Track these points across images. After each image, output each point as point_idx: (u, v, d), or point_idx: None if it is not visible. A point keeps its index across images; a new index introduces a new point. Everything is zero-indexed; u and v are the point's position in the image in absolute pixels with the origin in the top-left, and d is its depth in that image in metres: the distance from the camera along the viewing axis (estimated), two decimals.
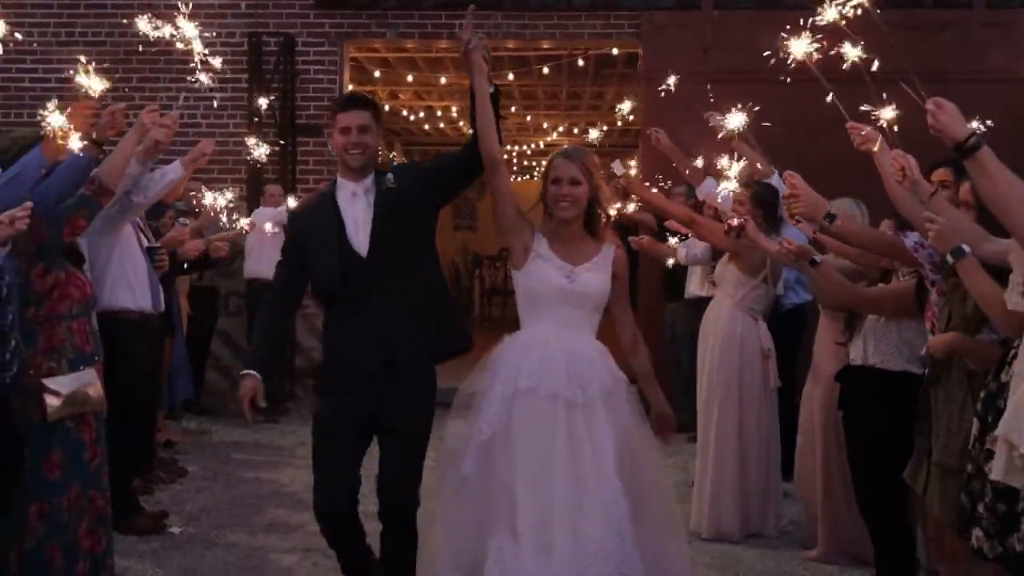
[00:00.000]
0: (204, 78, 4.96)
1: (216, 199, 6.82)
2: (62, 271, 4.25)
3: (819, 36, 3.79)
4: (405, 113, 14.36)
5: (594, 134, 10.76)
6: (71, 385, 4.11)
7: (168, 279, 6.27)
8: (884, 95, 3.61)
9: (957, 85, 3.25)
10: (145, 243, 5.70)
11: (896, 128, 3.73)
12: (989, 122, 3.67)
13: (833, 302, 4.67)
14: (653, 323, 8.67)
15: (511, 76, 11.11)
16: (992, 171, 2.98)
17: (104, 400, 4.29)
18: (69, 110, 4.15)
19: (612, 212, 4.20)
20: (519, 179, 18.45)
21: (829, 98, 3.65)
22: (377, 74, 11.42)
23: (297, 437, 7.86)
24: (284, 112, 9.20)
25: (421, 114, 14.45)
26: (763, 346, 5.57)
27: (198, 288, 7.70)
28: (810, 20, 3.63)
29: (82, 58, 4.27)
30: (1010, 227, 2.98)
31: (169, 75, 8.84)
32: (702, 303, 6.11)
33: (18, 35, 4.01)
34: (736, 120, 5.35)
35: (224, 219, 7.22)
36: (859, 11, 3.52)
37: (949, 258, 3.16)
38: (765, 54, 3.93)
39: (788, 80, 4.21)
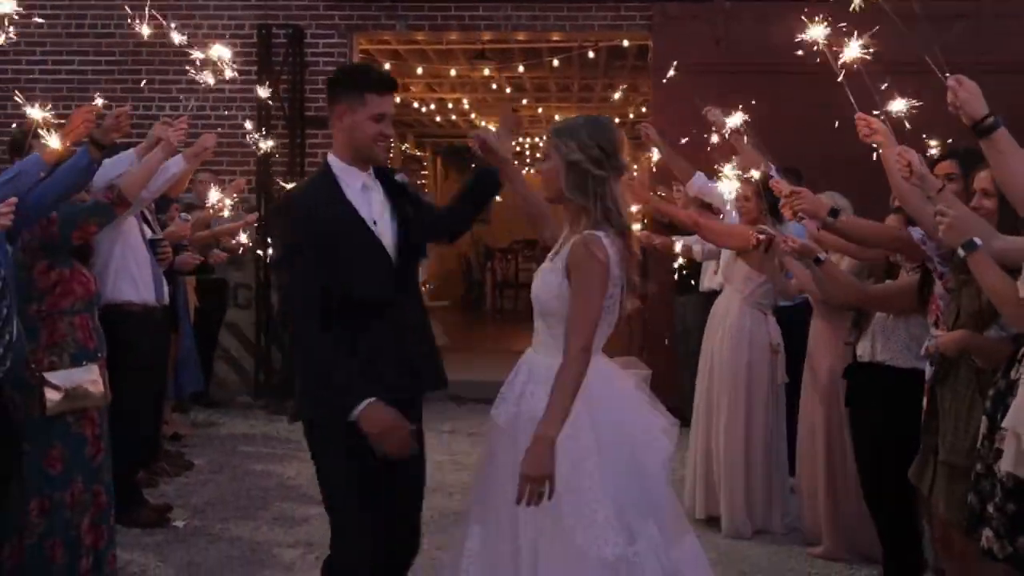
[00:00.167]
0: (210, 77, 4.96)
1: (222, 197, 6.81)
2: (66, 268, 4.25)
3: (828, 27, 3.75)
4: (416, 105, 14.32)
5: None
6: (72, 380, 4.11)
7: (173, 272, 6.27)
8: (885, 86, 3.57)
9: (969, 76, 3.21)
10: (148, 235, 5.69)
11: (906, 122, 3.69)
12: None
13: (839, 300, 4.63)
14: (665, 317, 8.62)
15: (521, 68, 11.07)
16: (1007, 152, 2.98)
17: (106, 396, 4.29)
18: (73, 112, 4.15)
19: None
20: (532, 171, 18.43)
21: (841, 76, 3.57)
22: (387, 66, 11.38)
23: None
24: (293, 104, 9.17)
25: (432, 106, 14.41)
26: (772, 341, 5.54)
27: (207, 280, 7.69)
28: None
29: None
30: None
31: (178, 66, 8.81)
32: (717, 296, 6.06)
33: (38, 19, 3.88)
34: (736, 119, 5.32)
35: (227, 213, 7.21)
36: (869, 2, 3.47)
37: (961, 251, 3.10)
38: (798, 40, 3.80)
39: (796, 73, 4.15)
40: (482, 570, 3.01)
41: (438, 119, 15.48)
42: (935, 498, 3.58)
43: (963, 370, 3.48)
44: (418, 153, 17.73)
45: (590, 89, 13.24)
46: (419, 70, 11.53)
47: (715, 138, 5.71)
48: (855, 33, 3.74)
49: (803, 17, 3.83)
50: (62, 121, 4.17)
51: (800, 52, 3.79)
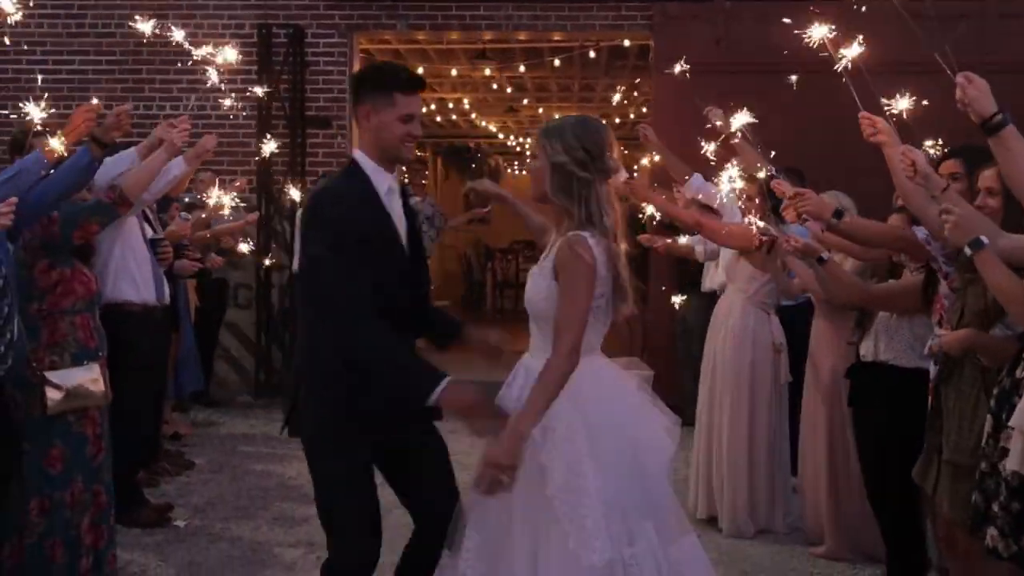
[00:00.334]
0: (214, 75, 4.95)
1: (221, 196, 6.80)
2: (67, 267, 4.25)
3: (833, 27, 3.74)
4: None
5: None
6: (73, 379, 4.10)
7: (173, 273, 6.26)
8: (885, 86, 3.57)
9: None
10: (149, 234, 5.68)
11: (911, 122, 3.68)
12: None
13: (842, 300, 4.62)
14: (665, 316, 8.61)
15: (522, 68, 11.06)
16: (1016, 150, 2.98)
17: (107, 395, 4.28)
18: (74, 111, 4.13)
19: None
20: (524, 172, 18.39)
21: (842, 65, 3.55)
22: None
23: None
24: (293, 104, 9.16)
25: (432, 106, 14.39)
26: (775, 340, 5.53)
27: (207, 280, 7.68)
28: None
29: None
30: None
31: (179, 66, 8.81)
32: (718, 296, 6.06)
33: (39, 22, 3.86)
34: (739, 121, 5.31)
35: (226, 212, 7.20)
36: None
37: (967, 250, 3.09)
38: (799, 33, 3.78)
39: (795, 77, 4.15)
40: (480, 572, 2.99)
41: (438, 119, 15.46)
42: (939, 497, 3.57)
43: (967, 369, 3.47)
44: (420, 154, 17.71)
45: (591, 89, 13.24)
46: (420, 70, 11.51)
47: (712, 145, 5.69)
48: (858, 32, 3.74)
49: (805, 18, 3.82)
50: (63, 121, 4.16)
51: (807, 41, 3.76)
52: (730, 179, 5.37)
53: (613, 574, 2.86)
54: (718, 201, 5.95)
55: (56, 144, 3.76)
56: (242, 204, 7.74)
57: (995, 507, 3.05)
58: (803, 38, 3.81)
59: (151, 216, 5.98)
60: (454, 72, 11.43)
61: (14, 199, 3.56)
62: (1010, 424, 2.98)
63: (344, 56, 9.26)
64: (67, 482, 4.11)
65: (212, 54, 4.75)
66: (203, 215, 7.08)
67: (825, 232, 4.43)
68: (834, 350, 4.97)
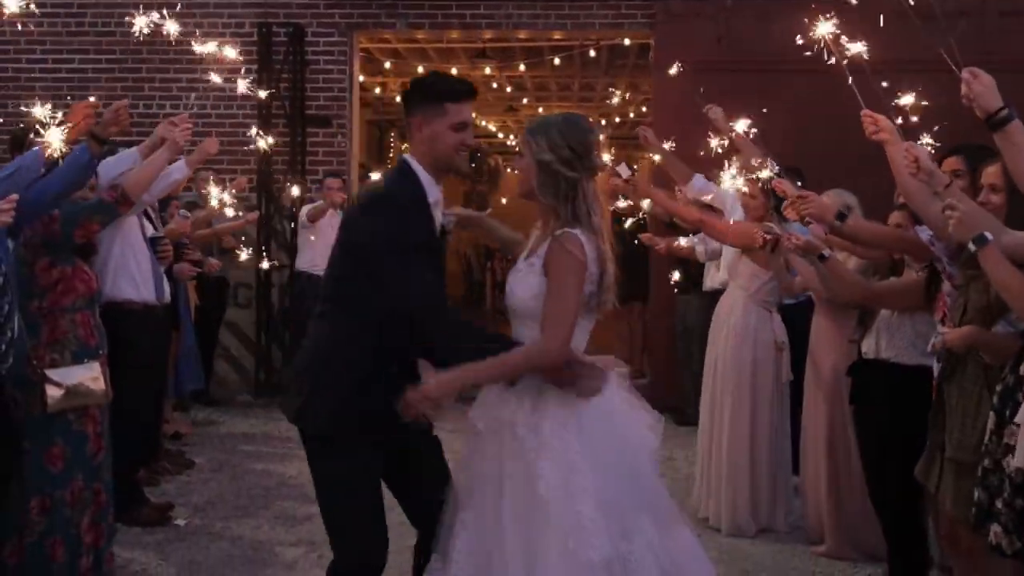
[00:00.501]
0: (216, 77, 4.94)
1: (222, 194, 6.81)
2: (68, 265, 4.24)
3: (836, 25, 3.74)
4: None
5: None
6: (73, 377, 4.09)
7: (172, 274, 6.26)
8: (886, 84, 3.57)
9: None
10: (150, 232, 5.68)
11: (913, 119, 3.68)
12: None
13: (844, 297, 4.61)
14: (665, 316, 8.62)
15: (523, 67, 11.06)
16: (1021, 145, 2.99)
17: (107, 393, 4.27)
18: (72, 107, 4.11)
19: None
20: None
21: (844, 61, 3.55)
22: (388, 65, 11.39)
23: None
24: (293, 103, 9.16)
25: None
26: (777, 339, 5.53)
27: (207, 279, 7.67)
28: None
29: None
30: None
31: (179, 65, 8.82)
32: (720, 295, 6.06)
33: (31, 27, 3.82)
34: (740, 126, 5.33)
35: (229, 211, 7.21)
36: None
37: (971, 246, 3.09)
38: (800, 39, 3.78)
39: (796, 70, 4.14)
40: (472, 573, 2.97)
41: None
42: (942, 495, 3.56)
43: (970, 366, 3.46)
44: None
45: (591, 88, 13.24)
46: (420, 69, 11.52)
47: (714, 142, 5.69)
48: (858, 31, 3.73)
49: (806, 16, 3.82)
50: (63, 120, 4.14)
51: (802, 45, 3.76)
52: (732, 177, 5.39)
53: (612, 571, 2.85)
54: (719, 199, 5.96)
55: (55, 141, 3.73)
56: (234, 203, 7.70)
57: (999, 504, 3.05)
58: (804, 36, 3.81)
59: (152, 214, 5.98)
60: (454, 71, 11.40)
61: (15, 196, 3.55)
62: (1015, 421, 2.97)
63: (344, 55, 9.25)
64: (67, 480, 4.10)
65: (211, 53, 4.75)
66: (203, 214, 7.08)
67: (828, 235, 4.44)
68: (835, 347, 4.97)
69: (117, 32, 9.06)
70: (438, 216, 3.23)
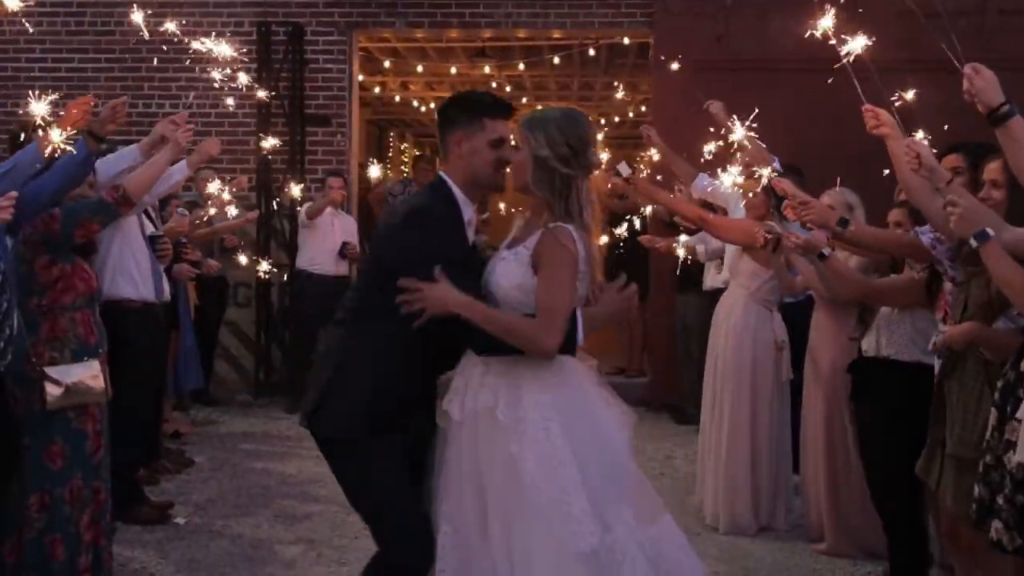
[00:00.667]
0: (216, 75, 4.93)
1: (221, 192, 6.81)
2: (68, 263, 4.24)
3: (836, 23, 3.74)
4: (416, 104, 14.30)
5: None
6: (73, 375, 4.09)
7: (171, 275, 6.26)
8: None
9: None
10: (149, 230, 5.68)
11: (915, 117, 3.69)
12: None
13: (844, 296, 4.62)
14: (665, 316, 8.62)
15: (522, 66, 11.05)
16: (1022, 140, 3.00)
17: (106, 391, 4.27)
18: (69, 104, 4.10)
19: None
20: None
21: (846, 58, 3.55)
22: (387, 64, 11.38)
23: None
24: (293, 102, 9.15)
25: (432, 105, 14.39)
26: (777, 338, 5.52)
27: (206, 278, 7.67)
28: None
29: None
30: None
31: (178, 64, 8.81)
32: (719, 294, 6.06)
33: (28, 27, 3.79)
34: (739, 133, 5.33)
35: (234, 210, 7.21)
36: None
37: (973, 242, 3.09)
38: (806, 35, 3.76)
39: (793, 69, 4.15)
40: (457, 567, 2.97)
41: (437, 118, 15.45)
42: (942, 491, 3.57)
43: (971, 362, 3.46)
44: (428, 153, 17.67)
45: (590, 88, 13.23)
46: (419, 68, 11.52)
47: (710, 147, 5.69)
48: (858, 30, 3.74)
49: (805, 14, 3.82)
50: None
51: (802, 44, 3.76)
52: (732, 176, 5.39)
53: (599, 561, 2.86)
54: (723, 198, 5.96)
55: (54, 137, 3.72)
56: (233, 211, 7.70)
57: (1000, 500, 3.05)
58: (804, 35, 3.81)
59: (152, 213, 5.98)
60: (453, 70, 11.43)
61: (14, 193, 3.55)
62: (1016, 417, 2.97)
63: (343, 54, 9.25)
64: (67, 478, 4.09)
65: (210, 51, 4.75)
66: (203, 213, 7.08)
67: (831, 240, 4.44)
68: (835, 345, 4.97)
69: (116, 31, 9.06)
70: (471, 234, 3.22)
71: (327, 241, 8.45)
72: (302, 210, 8.44)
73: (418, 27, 9.31)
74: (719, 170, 5.69)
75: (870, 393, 4.41)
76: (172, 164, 5.16)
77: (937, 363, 3.72)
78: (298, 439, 7.55)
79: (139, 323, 5.38)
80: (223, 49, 4.79)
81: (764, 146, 5.34)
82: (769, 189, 5.27)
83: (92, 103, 4.11)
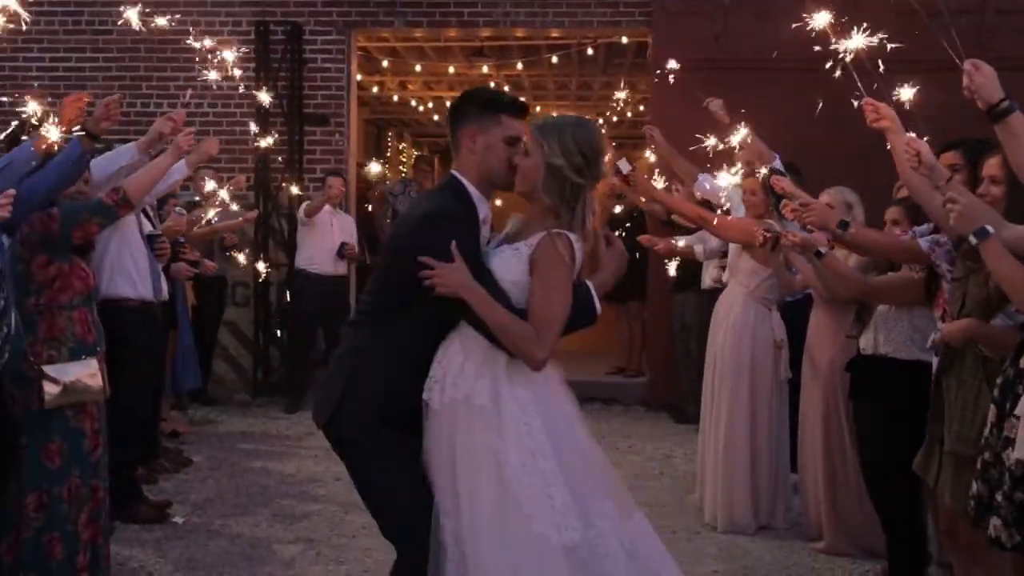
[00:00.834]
0: (214, 75, 4.92)
1: (218, 191, 6.80)
2: (65, 262, 4.22)
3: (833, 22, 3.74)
4: (414, 103, 14.30)
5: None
6: (71, 373, 4.08)
7: (169, 274, 6.25)
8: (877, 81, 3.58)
9: None
10: (148, 229, 5.67)
11: (913, 113, 3.69)
12: None
13: (842, 294, 4.62)
14: (664, 315, 8.62)
15: (520, 65, 11.05)
16: (1021, 136, 3.01)
17: (104, 390, 4.26)
18: (63, 101, 4.10)
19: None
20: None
21: (845, 54, 3.55)
22: (385, 63, 11.38)
23: (304, 427, 7.84)
24: (291, 101, 9.15)
25: (430, 104, 14.39)
26: (776, 336, 5.52)
27: (205, 278, 7.67)
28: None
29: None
30: None
31: (176, 64, 8.81)
32: (718, 293, 6.07)
33: (25, 16, 3.77)
34: (742, 133, 5.34)
35: (235, 207, 7.21)
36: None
37: (972, 239, 3.09)
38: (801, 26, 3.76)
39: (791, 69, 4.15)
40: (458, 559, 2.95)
41: (436, 118, 15.44)
42: (941, 488, 3.56)
43: (969, 359, 3.46)
44: (426, 153, 17.67)
45: (588, 87, 13.23)
46: (418, 67, 11.52)
47: (712, 141, 5.69)
48: (857, 27, 3.74)
49: (803, 11, 3.83)
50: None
51: (801, 42, 3.76)
52: (731, 175, 5.39)
53: (580, 555, 2.87)
54: (727, 197, 5.96)
55: (52, 134, 3.71)
56: (234, 208, 7.71)
57: (999, 497, 3.05)
58: (802, 33, 3.81)
59: (150, 212, 5.97)
60: (451, 70, 11.42)
61: (11, 191, 3.54)
62: (1015, 413, 2.97)
63: (342, 53, 9.25)
64: (65, 477, 4.08)
65: (209, 49, 4.75)
66: (202, 213, 7.07)
67: (831, 241, 4.45)
68: (833, 343, 4.97)
69: (114, 30, 9.04)
70: (485, 232, 3.18)
71: (326, 240, 8.45)
72: (300, 208, 8.44)
73: (416, 26, 9.30)
74: (717, 170, 5.70)
75: (868, 391, 4.41)
76: (150, 144, 5.06)
77: (935, 361, 3.72)
78: (296, 438, 7.56)
79: (137, 322, 5.38)
80: (227, 55, 4.79)
81: (765, 145, 5.35)
82: (768, 188, 5.28)
83: (87, 100, 4.11)
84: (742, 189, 5.57)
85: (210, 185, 6.83)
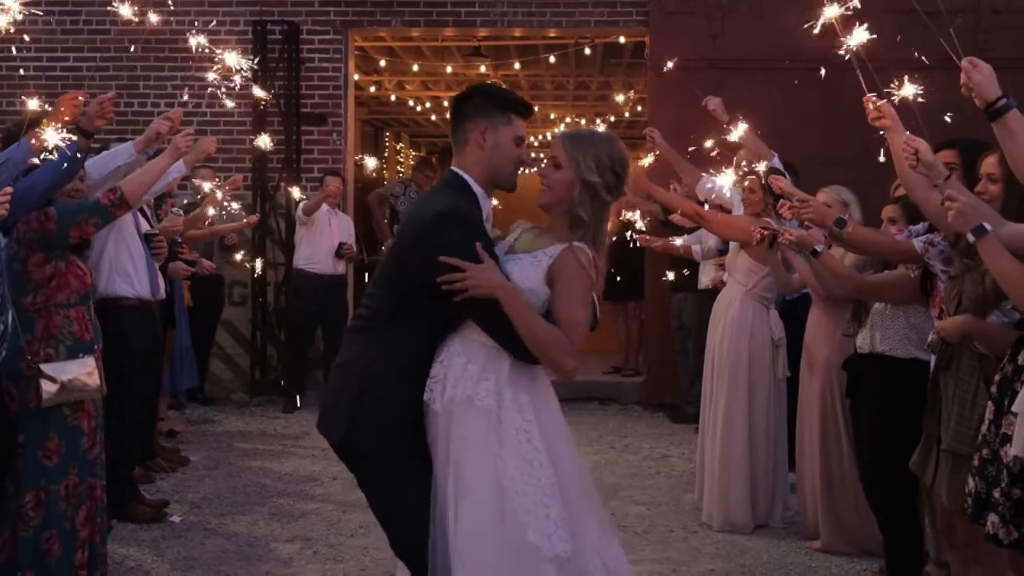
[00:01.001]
0: (213, 74, 4.92)
1: (215, 191, 6.80)
2: (62, 261, 4.22)
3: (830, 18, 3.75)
4: (412, 103, 14.29)
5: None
6: (68, 371, 4.07)
7: (167, 273, 6.25)
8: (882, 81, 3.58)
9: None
10: (145, 228, 5.67)
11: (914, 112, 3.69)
12: None
13: (838, 291, 4.62)
14: (662, 315, 8.62)
15: (517, 65, 11.05)
16: (1019, 134, 3.01)
17: (102, 388, 4.26)
18: (58, 100, 4.09)
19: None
20: (525, 171, 18.28)
21: (844, 51, 3.56)
22: (383, 63, 11.38)
23: (301, 427, 7.85)
24: (289, 101, 9.15)
25: (428, 104, 14.37)
26: (774, 335, 5.52)
27: (202, 277, 7.67)
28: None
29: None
30: None
31: (173, 63, 8.81)
32: (715, 293, 6.08)
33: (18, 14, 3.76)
34: (741, 130, 5.34)
35: (236, 206, 7.21)
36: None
37: (970, 236, 3.10)
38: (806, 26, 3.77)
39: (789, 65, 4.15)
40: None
41: (433, 118, 15.44)
42: (938, 486, 3.57)
43: (965, 357, 3.47)
44: (424, 154, 17.65)
45: (585, 87, 13.22)
46: (415, 67, 11.51)
47: (710, 142, 5.70)
48: (853, 27, 3.74)
49: (801, 11, 3.83)
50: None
51: (799, 41, 3.76)
52: (729, 175, 5.40)
53: (566, 570, 2.87)
54: (726, 199, 5.97)
55: (51, 135, 3.69)
56: (235, 206, 7.71)
57: (996, 494, 3.05)
58: (798, 33, 3.82)
59: (148, 211, 5.97)
60: (449, 69, 11.41)
61: (9, 188, 3.54)
62: (1013, 410, 2.98)
63: (339, 53, 9.25)
64: (62, 475, 4.08)
65: (206, 47, 4.74)
66: (201, 213, 7.07)
67: (828, 239, 4.45)
68: (830, 341, 4.98)
69: (112, 30, 9.05)
70: (489, 230, 3.15)
71: (324, 240, 8.44)
72: (298, 207, 8.44)
73: (414, 26, 9.30)
74: (714, 170, 5.71)
75: (865, 390, 4.41)
76: (147, 143, 5.05)
77: (932, 359, 3.72)
78: (294, 438, 7.57)
79: (135, 321, 5.38)
80: (230, 58, 4.78)
81: (763, 144, 5.36)
82: (766, 186, 5.29)
83: (82, 98, 4.10)
84: (741, 186, 5.57)
85: (207, 186, 6.82)
